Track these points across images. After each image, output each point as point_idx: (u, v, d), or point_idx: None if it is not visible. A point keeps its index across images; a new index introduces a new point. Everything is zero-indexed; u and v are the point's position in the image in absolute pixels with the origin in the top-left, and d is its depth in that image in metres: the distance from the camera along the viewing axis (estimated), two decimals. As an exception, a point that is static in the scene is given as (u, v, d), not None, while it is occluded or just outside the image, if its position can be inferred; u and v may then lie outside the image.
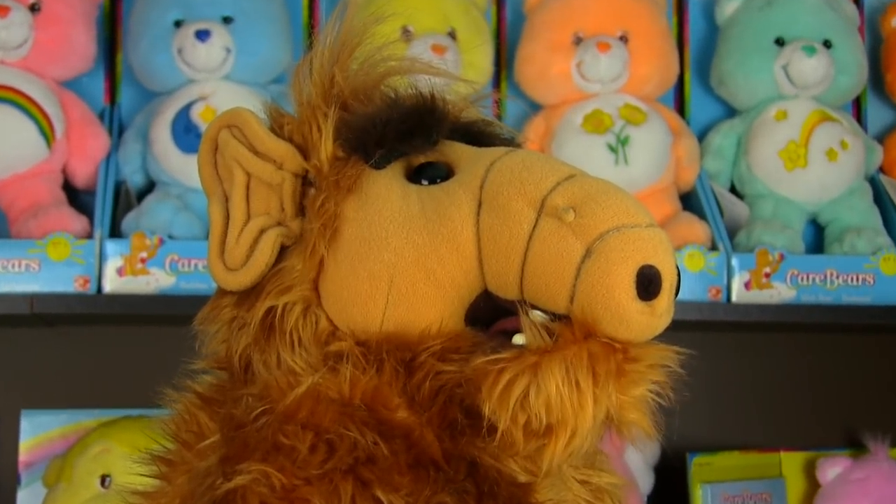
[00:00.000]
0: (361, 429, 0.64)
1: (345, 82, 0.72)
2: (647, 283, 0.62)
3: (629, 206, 0.64)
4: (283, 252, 0.71)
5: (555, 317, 0.64)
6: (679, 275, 0.64)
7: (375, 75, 0.73)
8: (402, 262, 0.67)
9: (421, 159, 0.70)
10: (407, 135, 0.70)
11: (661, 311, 0.63)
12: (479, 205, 0.66)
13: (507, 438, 0.63)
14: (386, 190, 0.69)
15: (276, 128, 0.73)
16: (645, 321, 0.63)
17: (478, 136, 0.74)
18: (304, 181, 0.71)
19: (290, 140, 0.71)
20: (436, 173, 0.70)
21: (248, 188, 0.71)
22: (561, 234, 0.63)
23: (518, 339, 0.64)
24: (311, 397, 0.65)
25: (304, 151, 0.71)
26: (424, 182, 0.70)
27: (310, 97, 0.72)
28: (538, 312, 0.64)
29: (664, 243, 0.63)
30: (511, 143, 0.76)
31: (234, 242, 0.70)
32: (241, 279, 0.70)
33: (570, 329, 0.62)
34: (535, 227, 0.64)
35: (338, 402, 0.65)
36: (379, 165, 0.70)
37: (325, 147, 0.70)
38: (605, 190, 0.65)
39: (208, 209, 0.73)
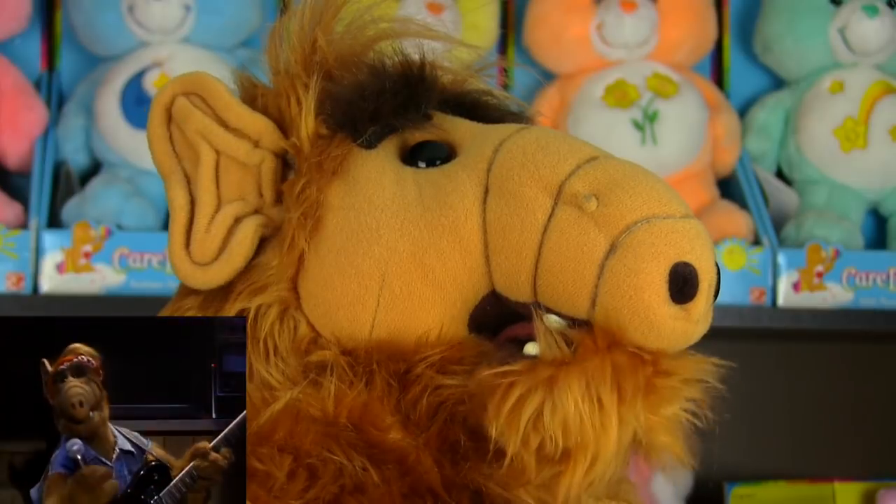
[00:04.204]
0: (348, 452, 0.64)
1: (328, 47, 0.72)
2: (682, 284, 0.62)
3: (661, 194, 0.64)
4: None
5: (574, 322, 0.65)
6: (719, 274, 0.65)
7: (364, 39, 0.73)
8: (395, 257, 0.67)
9: (418, 137, 0.71)
10: (402, 108, 0.70)
11: (698, 317, 0.64)
12: (486, 191, 0.67)
13: (516, 465, 0.63)
14: (377, 173, 0.70)
15: (248, 100, 0.73)
16: (679, 328, 0.63)
17: (482, 110, 0.75)
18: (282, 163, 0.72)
19: (265, 115, 0.72)
20: (435, 154, 0.70)
21: (217, 169, 0.72)
22: (581, 226, 0.64)
23: (531, 349, 0.64)
24: (289, 415, 0.65)
25: (281, 128, 0.72)
26: (422, 164, 0.70)
27: (287, 64, 0.72)
28: (555, 317, 0.65)
29: (701, 237, 0.64)
30: (521, 118, 0.77)
31: (203, 232, 0.71)
32: (214, 275, 0.71)
33: (591, 337, 0.63)
34: (551, 217, 0.65)
35: (320, 421, 0.65)
36: (369, 144, 0.70)
37: (306, 123, 0.71)
38: (632, 174, 0.65)
39: (167, 193, 0.73)
